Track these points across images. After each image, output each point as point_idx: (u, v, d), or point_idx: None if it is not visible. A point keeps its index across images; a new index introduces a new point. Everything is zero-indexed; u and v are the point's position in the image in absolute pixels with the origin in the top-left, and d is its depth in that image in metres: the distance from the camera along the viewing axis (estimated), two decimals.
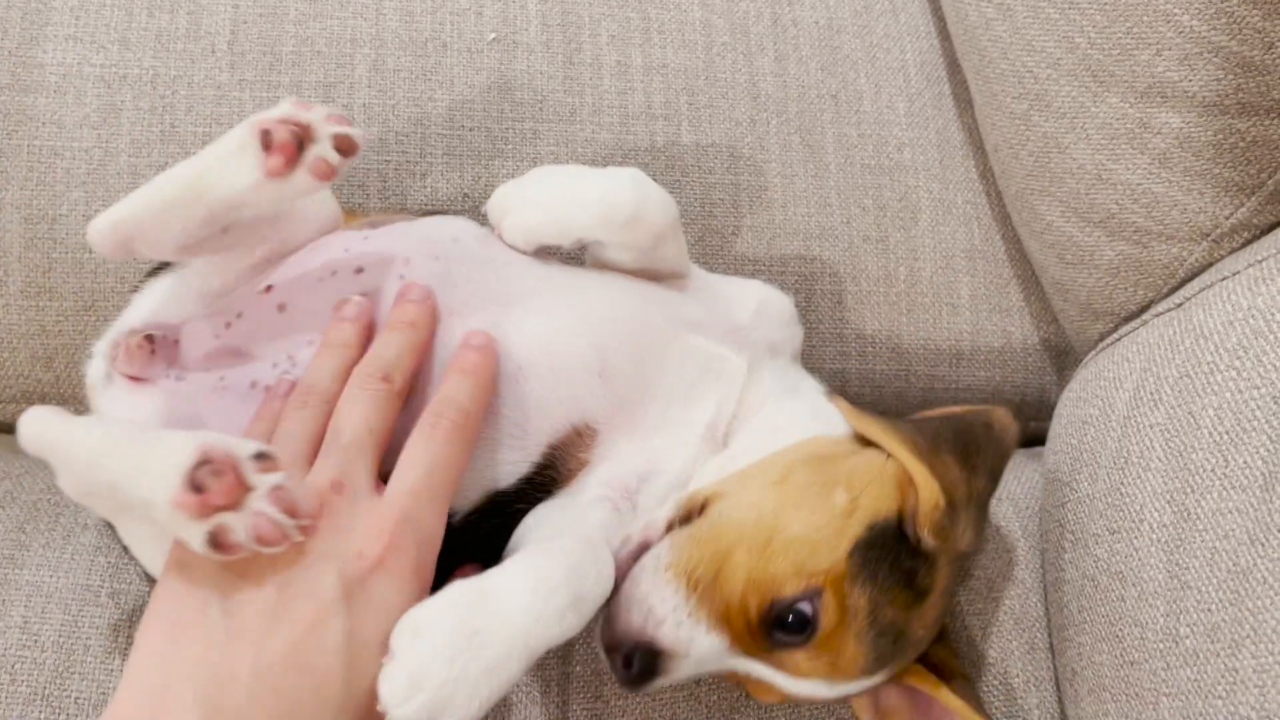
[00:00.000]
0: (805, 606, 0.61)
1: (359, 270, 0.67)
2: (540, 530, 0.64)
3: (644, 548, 0.64)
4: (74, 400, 0.72)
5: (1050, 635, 0.79)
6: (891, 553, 0.64)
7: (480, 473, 0.65)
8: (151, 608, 0.55)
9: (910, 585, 0.65)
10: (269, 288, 0.66)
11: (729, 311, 0.74)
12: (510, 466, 0.66)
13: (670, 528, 0.65)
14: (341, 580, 0.53)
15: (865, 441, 0.69)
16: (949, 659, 0.72)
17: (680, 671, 0.62)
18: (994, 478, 0.68)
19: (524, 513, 0.67)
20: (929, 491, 0.64)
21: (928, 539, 0.64)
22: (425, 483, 0.58)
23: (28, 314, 0.80)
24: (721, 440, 0.71)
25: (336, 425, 0.59)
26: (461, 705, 0.51)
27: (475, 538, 0.66)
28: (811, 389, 0.74)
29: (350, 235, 0.69)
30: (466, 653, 0.51)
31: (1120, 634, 0.67)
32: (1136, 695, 0.65)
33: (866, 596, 0.62)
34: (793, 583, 0.61)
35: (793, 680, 0.63)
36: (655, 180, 0.86)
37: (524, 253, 0.71)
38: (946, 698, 0.68)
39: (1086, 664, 0.71)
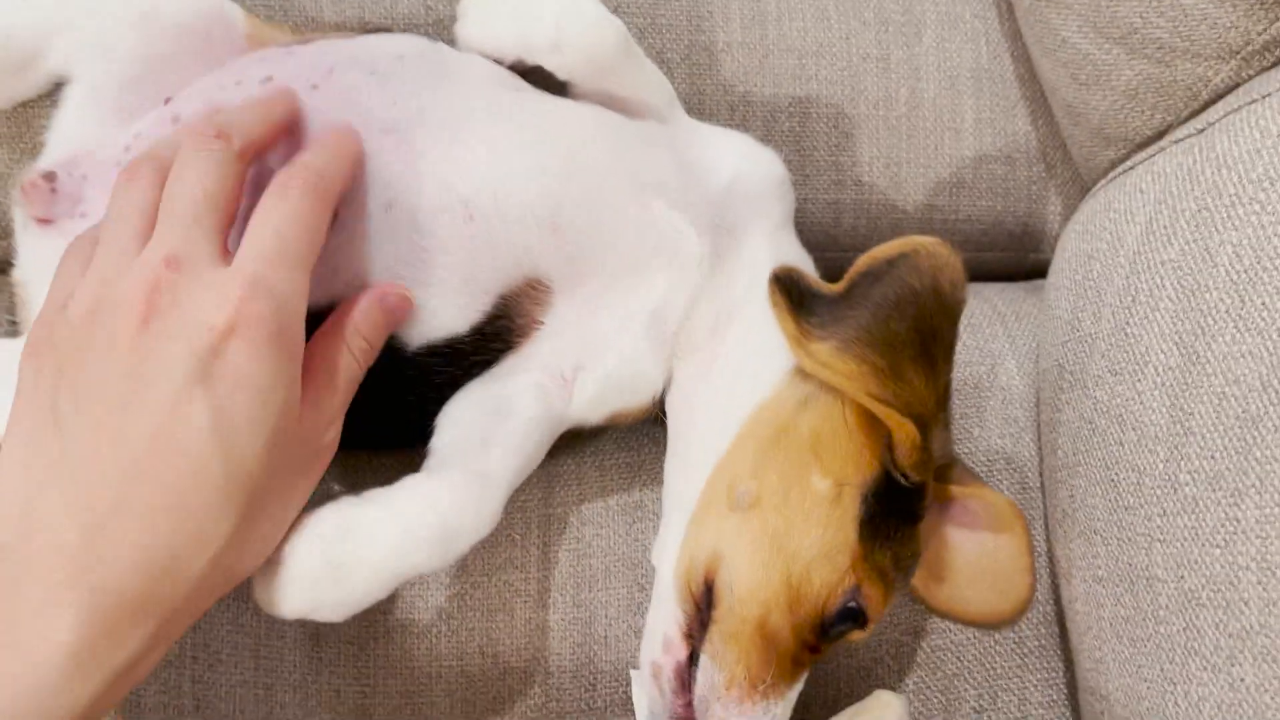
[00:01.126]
0: (851, 605, 0.61)
1: (267, 79, 0.61)
2: (457, 429, 0.62)
3: (680, 672, 0.62)
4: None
5: (1042, 476, 0.77)
6: (889, 506, 0.62)
7: (432, 310, 0.61)
8: (7, 430, 0.52)
9: (912, 519, 0.64)
10: (168, 100, 0.61)
11: (703, 175, 0.68)
12: (460, 311, 0.62)
13: (689, 635, 0.62)
14: (193, 356, 0.49)
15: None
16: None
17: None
18: (951, 354, 0.63)
19: (479, 367, 0.63)
20: (904, 433, 0.60)
21: (915, 476, 0.62)
22: (276, 244, 0.52)
23: None
24: (671, 339, 0.66)
25: (168, 194, 0.53)
26: (326, 613, 0.55)
27: (431, 385, 0.63)
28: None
29: (273, 51, 0.63)
30: (328, 580, 0.55)
31: (1116, 478, 0.65)
32: (1129, 540, 0.63)
33: (888, 555, 0.62)
34: (830, 600, 0.61)
35: (859, 638, 0.64)
36: None
37: (482, 69, 0.65)
38: (954, 491, 0.70)
39: (1079, 506, 0.69)
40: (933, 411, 0.61)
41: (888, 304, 0.60)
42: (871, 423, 0.62)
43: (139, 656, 0.48)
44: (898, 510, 0.63)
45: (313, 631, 0.69)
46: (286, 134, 0.59)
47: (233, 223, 0.54)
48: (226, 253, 0.53)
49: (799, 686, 0.63)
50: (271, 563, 0.54)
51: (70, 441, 0.48)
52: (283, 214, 0.53)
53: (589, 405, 0.66)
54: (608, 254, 0.64)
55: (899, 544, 0.63)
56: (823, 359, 0.60)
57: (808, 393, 0.64)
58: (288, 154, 0.57)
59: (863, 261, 0.62)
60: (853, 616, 0.61)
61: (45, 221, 0.61)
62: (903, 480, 0.62)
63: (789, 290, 0.63)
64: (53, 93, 0.70)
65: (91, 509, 0.47)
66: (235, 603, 0.69)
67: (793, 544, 0.60)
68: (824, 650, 0.63)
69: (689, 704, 0.61)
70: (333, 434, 0.56)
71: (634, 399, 0.67)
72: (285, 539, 0.55)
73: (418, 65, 0.63)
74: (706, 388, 0.67)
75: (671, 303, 0.66)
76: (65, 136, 0.63)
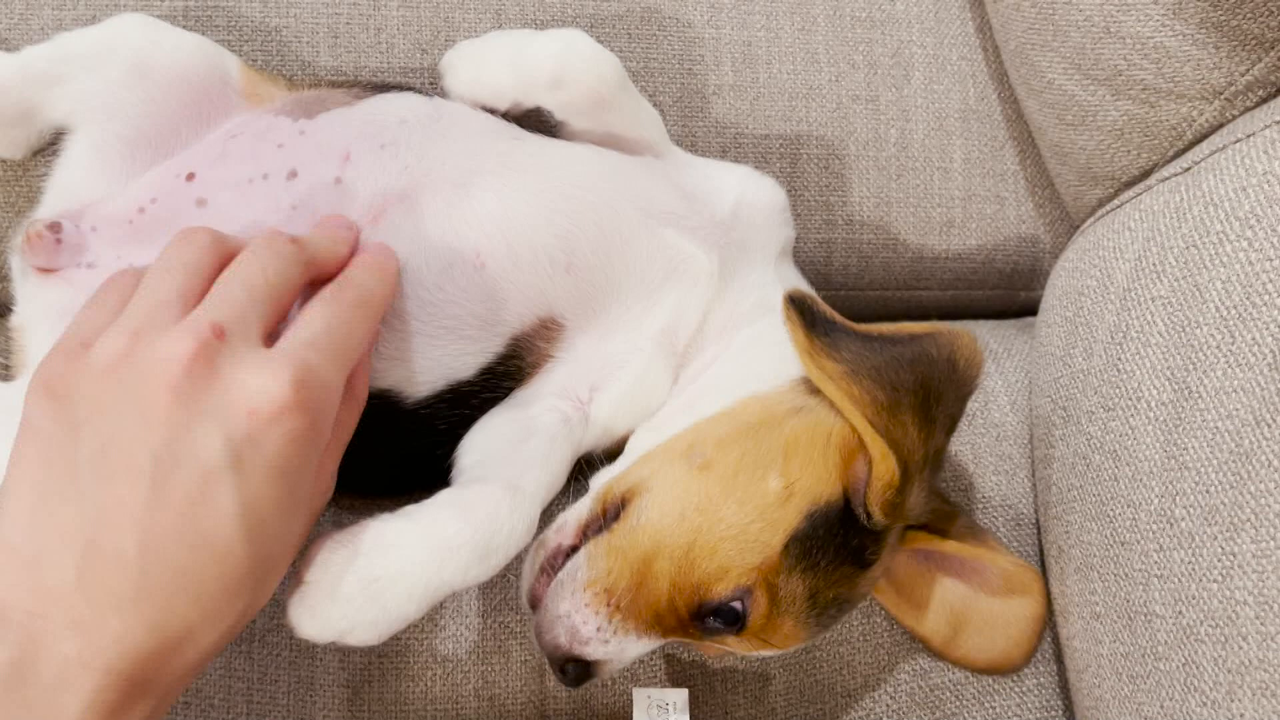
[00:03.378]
0: (735, 605, 0.59)
1: (293, 175, 0.62)
2: (481, 451, 0.62)
3: (557, 555, 0.62)
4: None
5: (1037, 512, 0.77)
6: (835, 536, 0.60)
7: (438, 360, 0.62)
8: (11, 471, 0.48)
9: (856, 562, 0.62)
10: (191, 175, 0.61)
11: (708, 203, 0.69)
12: (470, 357, 0.62)
13: (584, 531, 0.62)
14: (227, 441, 0.47)
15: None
16: (937, 502, 0.69)
17: (617, 668, 0.61)
18: (952, 427, 0.64)
19: (489, 403, 0.63)
20: (884, 468, 0.59)
21: (879, 517, 0.61)
22: (326, 338, 0.51)
23: None
24: (681, 353, 0.67)
25: (231, 270, 0.52)
26: (362, 633, 0.54)
27: (438, 431, 0.63)
28: (776, 309, 0.67)
29: (283, 127, 0.63)
30: (364, 597, 0.54)
31: (1112, 514, 0.65)
32: (1126, 576, 0.63)
33: (805, 585, 0.60)
34: (719, 585, 0.59)
35: (736, 650, 0.62)
36: (629, 34, 0.81)
37: (479, 121, 0.66)
38: (952, 548, 0.68)
39: (1075, 542, 0.69)
40: (919, 465, 0.61)
41: (902, 359, 0.62)
42: (851, 454, 0.62)
43: None
44: (841, 547, 0.61)
45: (305, 676, 0.68)
46: None
47: (282, 320, 0.53)
48: (270, 343, 0.51)
49: (645, 647, 0.61)
50: (306, 583, 0.53)
51: (88, 511, 0.46)
52: (334, 313, 0.53)
53: (605, 424, 0.66)
54: (622, 287, 0.65)
55: (826, 579, 0.61)
56: (831, 374, 0.61)
57: (803, 405, 0.64)
58: None
59: (888, 327, 0.64)
60: (732, 617, 0.59)
61: (46, 271, 0.61)
62: (864, 517, 0.61)
63: (803, 310, 0.64)
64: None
65: (109, 589, 0.45)
66: (228, 648, 0.68)
67: (716, 514, 0.60)
68: (690, 635, 0.61)
69: (546, 584, 0.61)
70: (328, 481, 0.56)
71: (649, 414, 0.67)
72: (319, 557, 0.54)
73: (421, 127, 0.64)
74: (707, 374, 0.67)
75: (682, 320, 0.67)
76: (68, 187, 0.62)
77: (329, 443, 0.54)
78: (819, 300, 0.66)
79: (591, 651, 0.59)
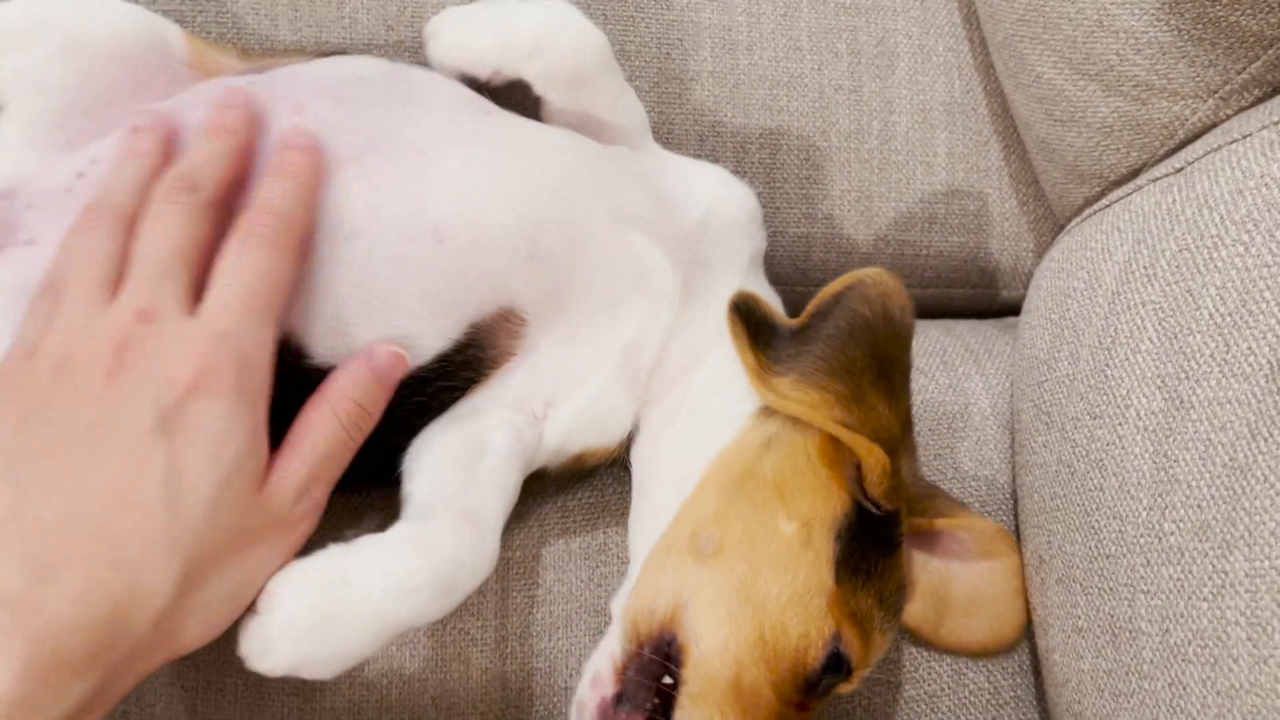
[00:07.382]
0: (833, 656, 0.58)
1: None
2: (432, 473, 0.59)
3: (605, 709, 0.58)
4: None
5: (1018, 519, 0.75)
6: (865, 538, 0.60)
7: (391, 340, 0.58)
8: None
9: (892, 549, 0.61)
10: (136, 130, 0.58)
11: (678, 209, 0.66)
12: (427, 340, 0.59)
13: (623, 673, 0.58)
14: (157, 410, 0.48)
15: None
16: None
17: None
18: (908, 378, 0.63)
19: (446, 393, 0.60)
20: (873, 460, 0.59)
21: (887, 505, 0.60)
22: (240, 295, 0.52)
23: None
24: (645, 380, 0.65)
25: (139, 250, 0.53)
26: (315, 669, 0.52)
27: (394, 417, 0.59)
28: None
29: (230, 82, 0.60)
30: (318, 633, 0.52)
31: (1097, 525, 0.63)
32: (1110, 590, 0.61)
33: (870, 594, 0.59)
34: (810, 651, 0.57)
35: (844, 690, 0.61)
36: (605, 15, 0.78)
37: (447, 88, 0.63)
38: (941, 524, 0.68)
39: (1057, 553, 0.67)
40: (898, 437, 0.60)
41: (841, 334, 0.60)
42: (836, 456, 0.61)
43: (77, 712, 0.46)
44: (874, 543, 0.60)
45: (255, 681, 0.65)
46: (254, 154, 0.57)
47: (203, 272, 0.53)
48: (195, 301, 0.52)
49: None
50: (257, 613, 0.52)
51: (22, 491, 0.47)
52: (247, 265, 0.52)
53: (559, 442, 0.64)
54: (585, 287, 0.62)
55: (881, 579, 0.60)
56: (784, 391, 0.60)
57: (771, 433, 0.62)
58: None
59: (813, 303, 0.63)
60: (836, 666, 0.58)
61: None
62: (874, 510, 0.61)
63: (747, 319, 0.63)
64: None
65: (38, 559, 0.46)
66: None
67: (761, 593, 0.57)
68: (814, 708, 0.59)
69: None
70: (305, 506, 0.53)
71: (604, 437, 0.65)
72: (272, 588, 0.52)
73: (382, 86, 0.61)
74: (672, 433, 0.65)
75: (645, 339, 0.64)
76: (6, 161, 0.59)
77: (293, 452, 0.53)
78: (761, 300, 0.64)
79: None
